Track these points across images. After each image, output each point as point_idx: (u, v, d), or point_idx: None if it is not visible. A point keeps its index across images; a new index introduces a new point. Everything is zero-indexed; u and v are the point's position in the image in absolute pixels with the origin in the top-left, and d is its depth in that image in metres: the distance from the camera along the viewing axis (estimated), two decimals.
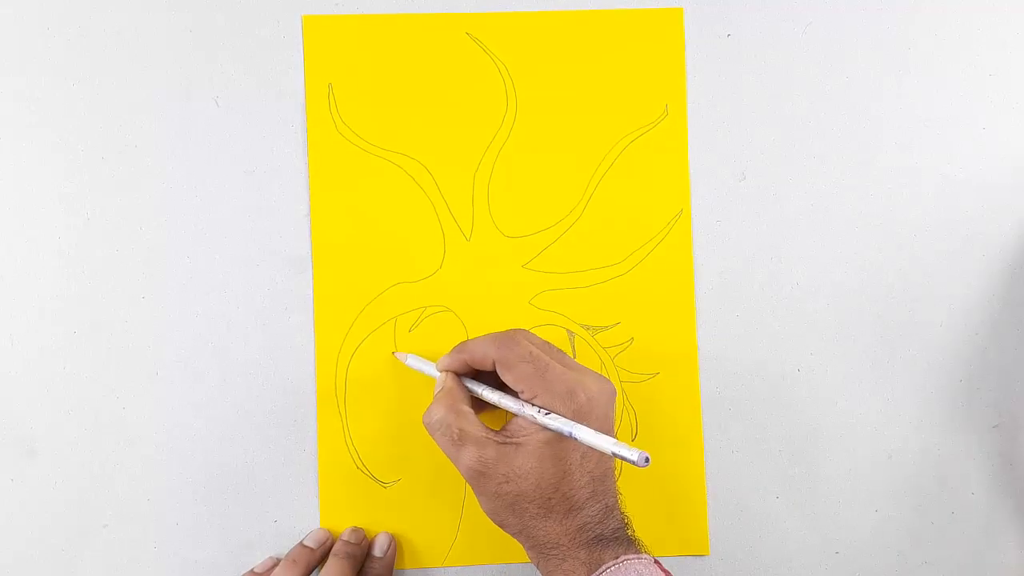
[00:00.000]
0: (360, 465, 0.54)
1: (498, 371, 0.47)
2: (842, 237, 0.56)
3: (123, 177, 0.54)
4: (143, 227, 0.54)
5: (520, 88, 0.55)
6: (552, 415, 0.45)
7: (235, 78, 0.54)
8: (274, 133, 0.54)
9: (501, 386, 0.48)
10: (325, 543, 0.52)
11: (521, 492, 0.45)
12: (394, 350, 0.54)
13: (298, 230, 0.54)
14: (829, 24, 0.56)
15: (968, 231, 0.56)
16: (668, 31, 0.55)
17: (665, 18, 0.55)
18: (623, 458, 0.41)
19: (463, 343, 0.49)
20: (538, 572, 0.47)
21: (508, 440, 0.46)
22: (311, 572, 0.52)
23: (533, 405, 0.46)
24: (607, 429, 0.47)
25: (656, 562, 0.45)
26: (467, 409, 0.48)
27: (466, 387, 0.49)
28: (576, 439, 0.44)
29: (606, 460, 0.47)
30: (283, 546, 0.53)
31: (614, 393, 0.48)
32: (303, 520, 0.53)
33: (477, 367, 0.49)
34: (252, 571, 0.52)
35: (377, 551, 0.52)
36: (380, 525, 0.53)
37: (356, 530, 0.53)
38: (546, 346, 0.49)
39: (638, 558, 0.45)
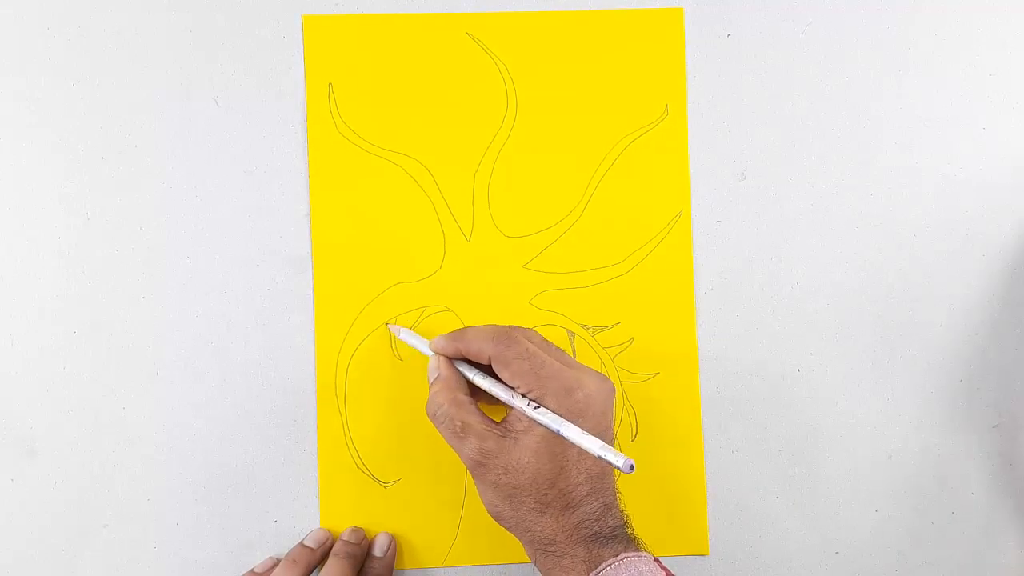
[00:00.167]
0: (360, 465, 0.54)
1: (494, 368, 0.47)
2: (842, 237, 0.56)
3: (123, 177, 0.54)
4: (143, 227, 0.54)
5: (520, 88, 0.55)
6: (541, 410, 0.45)
7: (235, 78, 0.54)
8: (274, 133, 0.54)
9: (493, 375, 0.48)
10: (325, 543, 0.52)
11: (519, 485, 0.45)
12: (394, 351, 0.54)
13: (298, 230, 0.54)
14: (829, 24, 0.56)
15: (968, 231, 0.56)
16: (668, 31, 0.55)
17: (665, 18, 0.55)
18: (608, 462, 0.41)
19: (462, 331, 0.49)
20: (537, 572, 0.47)
21: (508, 433, 0.46)
22: (311, 572, 0.52)
23: (524, 397, 0.46)
24: (604, 428, 0.47)
25: (656, 560, 0.45)
26: (467, 399, 0.48)
27: (461, 374, 0.49)
28: (563, 437, 0.44)
29: None
30: (283, 546, 0.53)
31: (613, 392, 0.48)
32: (303, 520, 0.53)
33: (472, 359, 0.49)
34: (252, 571, 0.52)
35: (377, 551, 0.52)
36: (380, 525, 0.53)
37: (356, 530, 0.53)
38: (545, 344, 0.49)
39: (638, 556, 0.45)
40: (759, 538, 0.55)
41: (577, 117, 0.55)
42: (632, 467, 0.41)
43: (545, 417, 0.45)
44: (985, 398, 0.56)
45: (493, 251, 0.55)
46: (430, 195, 0.55)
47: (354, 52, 0.54)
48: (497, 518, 0.47)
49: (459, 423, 0.46)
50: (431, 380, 0.49)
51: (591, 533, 0.45)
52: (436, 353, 0.50)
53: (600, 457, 0.42)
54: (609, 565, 0.44)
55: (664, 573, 0.45)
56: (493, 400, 0.48)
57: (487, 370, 0.48)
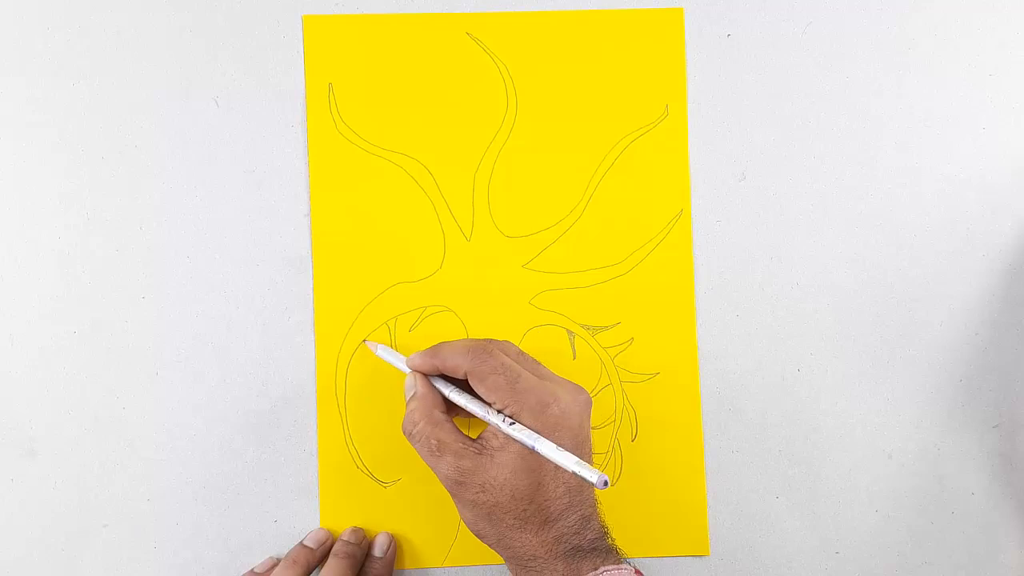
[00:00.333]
0: (360, 465, 0.54)
1: (471, 382, 0.47)
2: (842, 237, 0.56)
3: (123, 177, 0.54)
4: (143, 227, 0.54)
5: (520, 88, 0.55)
6: (516, 425, 0.45)
7: (235, 78, 0.54)
8: (274, 133, 0.54)
9: (470, 391, 0.48)
10: (325, 543, 0.52)
11: (497, 502, 0.45)
12: (395, 350, 0.54)
13: (298, 230, 0.54)
14: (829, 24, 0.56)
15: (968, 231, 0.56)
16: (668, 31, 0.55)
17: (665, 18, 0.55)
18: (583, 478, 0.41)
19: (437, 346, 0.49)
20: None
21: (484, 451, 0.46)
22: (311, 572, 0.52)
23: (500, 413, 0.46)
24: (581, 440, 0.47)
25: (637, 571, 0.45)
26: (443, 417, 0.48)
27: (437, 390, 0.49)
28: (538, 453, 0.44)
29: None
30: (283, 546, 0.53)
31: (588, 403, 0.48)
32: (303, 520, 0.53)
33: (448, 375, 0.49)
34: (252, 571, 0.52)
35: (377, 551, 0.52)
36: (380, 525, 0.53)
37: (356, 530, 0.53)
38: (521, 357, 0.49)
39: (617, 568, 0.45)
40: (759, 538, 0.55)
41: (577, 117, 0.55)
42: (607, 483, 0.41)
43: (520, 433, 0.45)
44: (985, 398, 0.56)
45: (493, 251, 0.55)
46: (430, 195, 0.55)
47: (354, 52, 0.54)
48: (478, 535, 0.47)
49: (435, 441, 0.46)
50: (408, 398, 0.49)
51: (570, 547, 0.45)
52: (413, 370, 0.50)
53: (575, 473, 0.42)
54: None
55: None
56: (470, 415, 0.48)
57: (464, 385, 0.48)
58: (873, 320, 0.56)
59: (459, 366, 0.47)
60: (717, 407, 0.55)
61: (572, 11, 0.55)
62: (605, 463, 0.54)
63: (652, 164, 0.55)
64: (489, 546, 0.47)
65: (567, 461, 0.42)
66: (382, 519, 0.53)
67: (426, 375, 0.49)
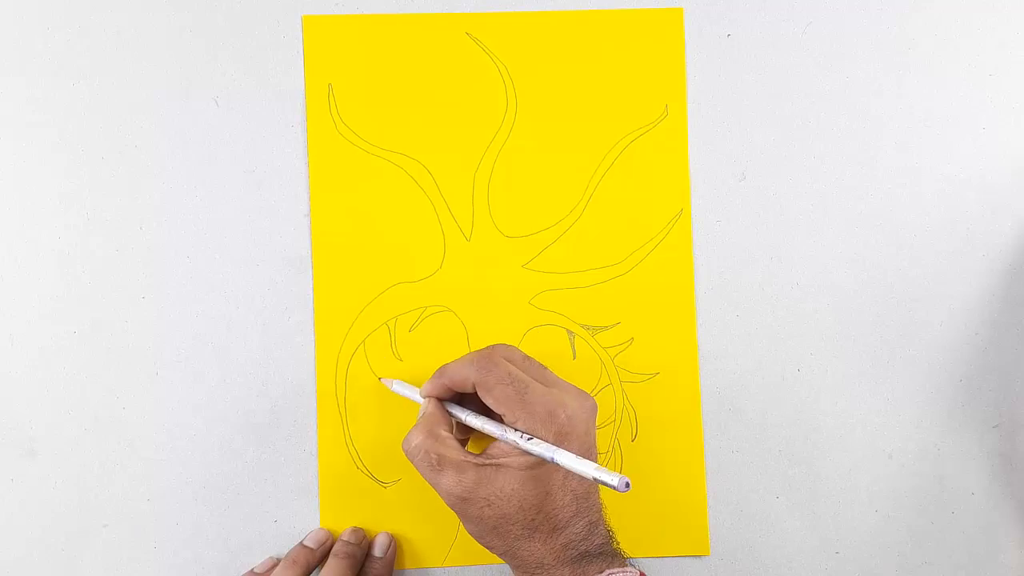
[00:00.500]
0: (360, 465, 0.54)
1: (479, 394, 0.47)
2: (842, 237, 0.56)
3: (123, 177, 0.54)
4: (143, 227, 0.54)
5: (520, 88, 0.55)
6: (534, 440, 0.45)
7: (235, 78, 0.54)
8: (274, 133, 0.54)
9: (485, 408, 0.48)
10: (325, 543, 0.52)
11: (504, 515, 0.45)
12: (394, 351, 0.54)
13: (298, 230, 0.54)
14: (829, 24, 0.56)
15: (968, 231, 0.56)
16: (668, 31, 0.55)
17: (665, 18, 0.55)
18: (604, 483, 0.41)
19: (443, 367, 0.49)
20: None
21: (488, 462, 0.46)
22: (311, 572, 0.52)
23: (516, 430, 0.46)
24: (589, 446, 0.47)
25: (642, 574, 0.45)
26: (445, 434, 0.47)
27: (448, 412, 0.49)
28: (558, 464, 0.44)
29: None
30: (283, 546, 0.53)
31: (594, 408, 0.48)
32: (303, 520, 0.53)
33: (458, 390, 0.49)
34: (252, 571, 0.52)
35: (377, 551, 0.52)
36: (380, 525, 0.53)
37: (356, 530, 0.53)
38: (526, 362, 0.49)
39: (623, 571, 0.45)
40: (759, 538, 0.55)
41: (577, 117, 0.55)
42: (628, 485, 0.40)
43: (539, 447, 0.44)
44: (985, 398, 0.56)
45: (493, 251, 0.55)
46: (430, 195, 0.55)
47: (354, 52, 0.54)
48: (487, 547, 0.47)
49: (435, 456, 0.46)
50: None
51: (578, 553, 0.45)
52: (425, 397, 0.50)
53: (595, 479, 0.41)
54: None
55: None
56: (479, 438, 0.48)
57: (477, 406, 0.48)
58: (873, 320, 0.56)
59: (466, 378, 0.47)
60: (717, 407, 0.55)
61: (572, 11, 0.55)
62: (605, 463, 0.54)
63: (652, 164, 0.55)
64: (497, 556, 0.47)
65: (587, 468, 0.42)
66: (382, 519, 0.53)
67: (439, 399, 0.49)
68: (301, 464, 0.53)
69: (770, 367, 0.55)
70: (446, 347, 0.54)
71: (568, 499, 0.46)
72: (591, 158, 0.55)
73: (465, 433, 0.50)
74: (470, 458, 0.46)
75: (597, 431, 0.54)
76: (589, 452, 0.47)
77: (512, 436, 0.46)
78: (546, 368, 0.50)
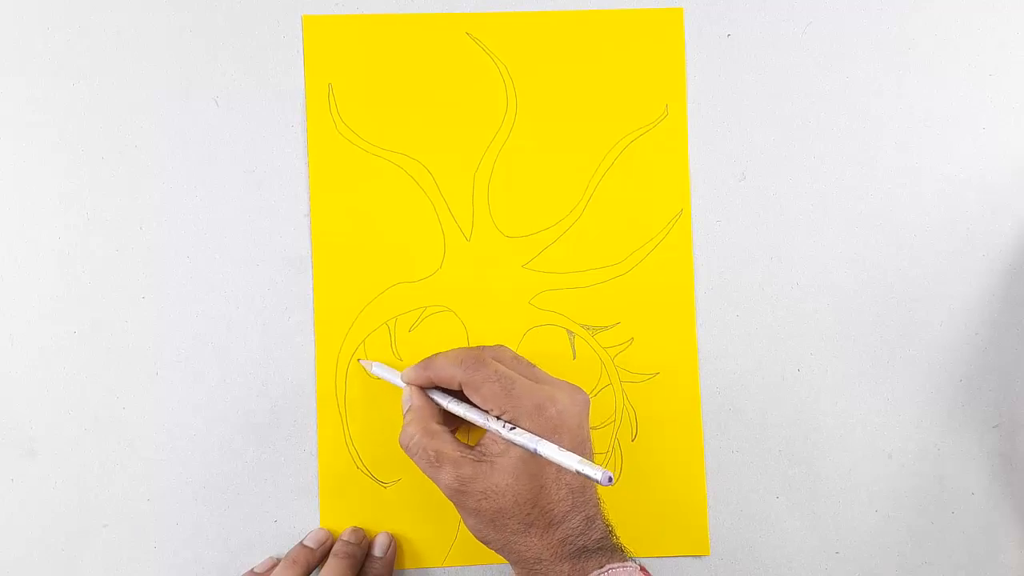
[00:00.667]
0: (360, 465, 0.54)
1: (466, 393, 0.47)
2: (842, 237, 0.56)
3: (123, 177, 0.54)
4: (143, 227, 0.54)
5: (520, 88, 0.55)
6: (517, 430, 0.45)
7: (235, 78, 0.54)
8: (274, 133, 0.54)
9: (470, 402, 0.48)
10: (325, 543, 0.52)
11: (500, 508, 0.45)
12: (394, 351, 0.54)
13: (298, 230, 0.54)
14: (829, 24, 0.56)
15: (968, 231, 0.56)
16: (668, 31, 0.55)
17: (665, 18, 0.55)
18: (586, 476, 0.41)
19: (430, 358, 0.49)
20: None
21: (483, 458, 0.46)
22: (311, 572, 0.52)
23: (499, 419, 0.46)
24: (581, 440, 0.47)
25: (642, 569, 0.45)
26: (440, 428, 0.48)
27: (434, 402, 0.49)
28: (540, 455, 0.44)
29: None
30: (283, 546, 0.53)
31: (587, 403, 0.48)
32: (303, 520, 0.53)
33: (443, 386, 0.49)
34: (252, 571, 0.52)
35: (377, 551, 0.52)
36: (380, 525, 0.53)
37: (356, 530, 0.53)
38: (515, 361, 0.49)
39: (623, 566, 0.45)
40: (759, 538, 0.55)
41: (577, 117, 0.55)
42: (611, 479, 0.40)
43: (521, 437, 0.44)
44: (985, 398, 0.56)
45: (493, 251, 0.55)
46: (430, 195, 0.55)
47: (354, 52, 0.54)
48: (484, 541, 0.47)
49: (433, 453, 0.46)
50: (404, 411, 0.49)
51: (575, 548, 0.45)
52: (408, 383, 0.50)
53: (579, 472, 0.41)
54: None
55: None
56: (470, 425, 0.48)
57: (460, 395, 0.48)
58: (873, 320, 0.56)
59: (453, 377, 0.47)
60: (717, 407, 0.55)
61: (572, 11, 0.55)
62: (605, 463, 0.54)
63: (652, 164, 0.55)
64: (496, 552, 0.47)
65: (570, 461, 0.42)
66: (382, 519, 0.53)
67: (422, 388, 0.49)
68: (301, 464, 0.53)
69: (770, 367, 0.55)
70: (446, 347, 0.54)
71: (563, 493, 0.46)
72: (591, 158, 0.55)
73: (451, 421, 0.50)
74: (467, 453, 0.46)
75: (597, 431, 0.54)
76: (582, 446, 0.47)
77: (495, 425, 0.46)
78: (535, 367, 0.50)
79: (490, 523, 0.46)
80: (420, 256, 0.54)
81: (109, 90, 0.54)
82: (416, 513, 0.53)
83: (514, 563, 0.47)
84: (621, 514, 0.52)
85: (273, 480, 0.53)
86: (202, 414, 0.53)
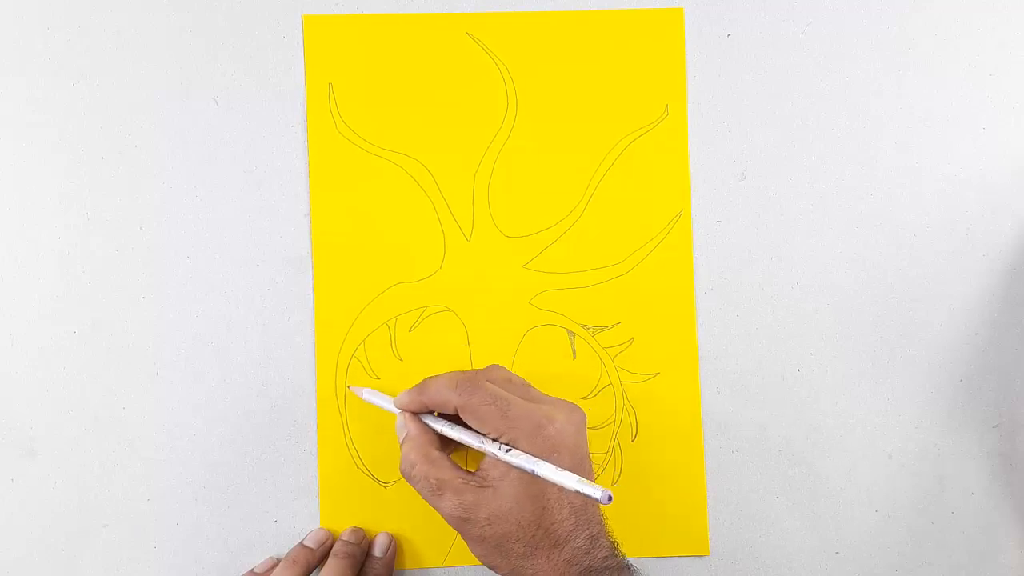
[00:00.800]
0: (360, 465, 0.54)
1: (462, 417, 0.47)
2: (842, 237, 0.56)
3: (123, 177, 0.54)
4: (143, 227, 0.54)
5: (520, 88, 0.55)
6: (514, 452, 0.45)
7: (235, 78, 0.54)
8: (274, 133, 0.54)
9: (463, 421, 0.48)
10: (325, 543, 0.52)
11: (505, 533, 0.45)
12: (394, 351, 0.54)
13: (298, 230, 0.54)
14: (829, 24, 0.56)
15: (968, 231, 0.56)
16: (668, 31, 0.55)
17: (665, 18, 0.55)
18: (586, 495, 0.41)
19: (423, 383, 0.49)
20: None
21: (485, 484, 0.46)
22: (311, 572, 0.52)
23: (495, 442, 0.46)
24: (580, 458, 0.47)
25: None
26: (440, 455, 0.47)
27: (430, 428, 0.49)
28: (538, 476, 0.43)
29: None
30: (283, 546, 0.53)
31: (584, 420, 0.48)
32: (303, 520, 0.53)
33: (438, 410, 0.49)
34: (252, 571, 0.52)
35: (377, 551, 0.52)
36: (380, 525, 0.53)
37: (356, 530, 0.53)
38: (509, 382, 0.49)
39: None
40: (759, 538, 0.55)
41: (577, 117, 0.55)
42: (610, 498, 0.40)
43: (518, 459, 0.44)
44: (985, 398, 0.56)
45: (493, 251, 0.55)
46: (430, 195, 0.55)
47: (354, 52, 0.54)
48: (491, 568, 0.47)
49: (435, 481, 0.46)
50: (400, 439, 0.49)
51: (582, 568, 0.45)
52: (402, 410, 0.49)
53: (578, 491, 0.41)
54: None
55: None
56: (465, 448, 0.48)
57: (453, 418, 0.48)
58: (873, 320, 0.56)
59: (448, 401, 0.47)
60: (717, 407, 0.55)
61: (572, 11, 0.55)
62: (605, 463, 0.54)
63: (652, 164, 0.55)
64: None
65: (568, 481, 0.42)
66: (382, 519, 0.53)
67: (415, 413, 0.49)
68: (301, 464, 0.53)
69: (770, 367, 0.55)
70: (446, 347, 0.54)
71: (566, 513, 0.46)
72: (591, 158, 0.55)
73: (447, 444, 0.50)
74: (468, 479, 0.46)
75: (597, 431, 0.54)
76: (581, 464, 0.46)
77: (491, 448, 0.45)
78: (531, 386, 0.50)
79: (496, 549, 0.46)
80: (420, 256, 0.54)
81: (109, 90, 0.54)
82: (416, 513, 0.53)
83: None
84: (621, 514, 0.52)
85: (273, 480, 0.53)
86: (202, 414, 0.53)
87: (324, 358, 0.54)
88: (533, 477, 0.45)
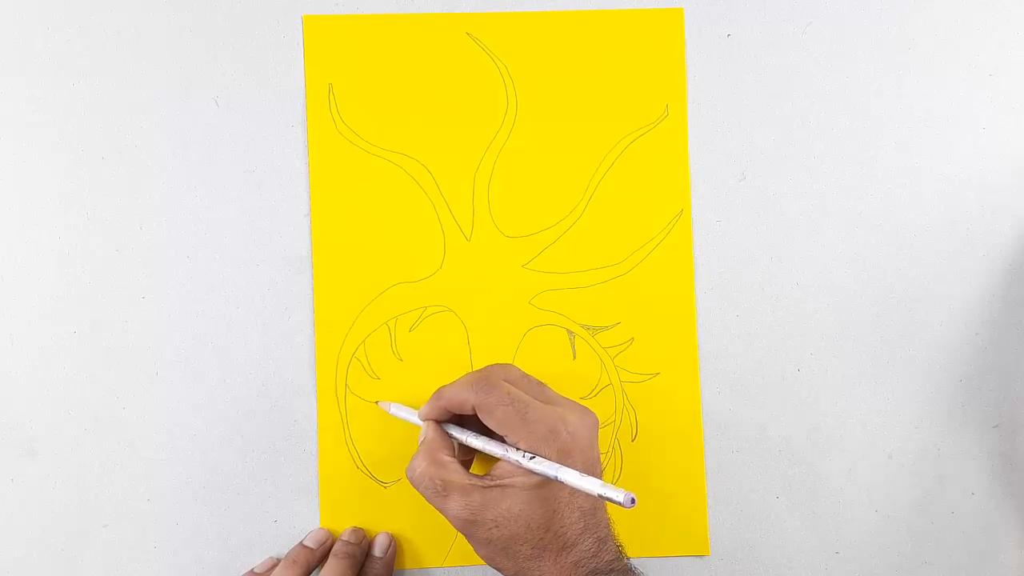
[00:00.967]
0: (360, 465, 0.54)
1: (480, 416, 0.47)
2: (842, 237, 0.56)
3: (123, 177, 0.54)
4: (143, 227, 0.54)
5: (520, 88, 0.55)
6: (537, 459, 0.45)
7: (235, 78, 0.54)
8: (274, 133, 0.54)
9: (485, 427, 0.48)
10: (325, 543, 0.52)
11: (512, 535, 0.45)
12: (394, 351, 0.54)
13: (298, 230, 0.54)
14: (829, 24, 0.56)
15: (968, 231, 0.56)
16: (668, 31, 0.55)
17: (665, 18, 0.55)
18: (610, 499, 0.41)
19: (440, 389, 0.49)
20: None
21: (493, 484, 0.46)
22: (311, 572, 0.52)
23: (518, 450, 0.46)
24: (592, 461, 0.47)
25: None
26: (448, 458, 0.47)
27: (448, 435, 0.49)
28: (562, 482, 0.43)
29: None
30: (283, 546, 0.53)
31: (596, 424, 0.48)
32: (303, 520, 0.53)
33: (457, 412, 0.49)
34: (252, 571, 0.52)
35: (377, 551, 0.52)
36: (380, 525, 0.53)
37: (356, 530, 0.53)
38: (524, 381, 0.49)
39: None
40: (759, 538, 0.55)
41: (577, 117, 0.55)
42: (634, 501, 0.40)
43: (541, 465, 0.44)
44: (985, 398, 0.56)
45: (493, 251, 0.55)
46: (430, 195, 0.55)
47: (354, 52, 0.54)
48: (496, 569, 0.47)
49: (440, 482, 0.46)
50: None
51: (588, 571, 0.45)
52: (425, 420, 0.49)
53: (600, 496, 0.41)
54: None
55: None
56: (485, 458, 0.48)
57: (477, 426, 0.48)
58: (873, 320, 0.56)
59: (466, 401, 0.47)
60: (717, 407, 0.55)
61: (572, 11, 0.55)
62: (605, 463, 0.54)
63: (652, 164, 0.55)
64: None
65: (592, 486, 0.42)
66: (382, 519, 0.53)
67: (439, 422, 0.49)
68: (301, 464, 0.53)
69: (770, 367, 0.55)
70: (446, 347, 0.54)
71: (575, 516, 0.46)
72: (591, 158, 0.55)
73: (468, 454, 0.50)
74: (475, 481, 0.46)
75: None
76: (593, 467, 0.47)
77: (515, 456, 0.46)
78: (545, 385, 0.50)
79: (502, 551, 0.46)
80: (420, 256, 0.54)
81: (109, 90, 0.54)
82: (416, 513, 0.53)
83: None
84: (621, 514, 0.52)
85: (273, 480, 0.53)
86: (202, 414, 0.53)
87: (324, 358, 0.54)
88: (546, 480, 0.45)
